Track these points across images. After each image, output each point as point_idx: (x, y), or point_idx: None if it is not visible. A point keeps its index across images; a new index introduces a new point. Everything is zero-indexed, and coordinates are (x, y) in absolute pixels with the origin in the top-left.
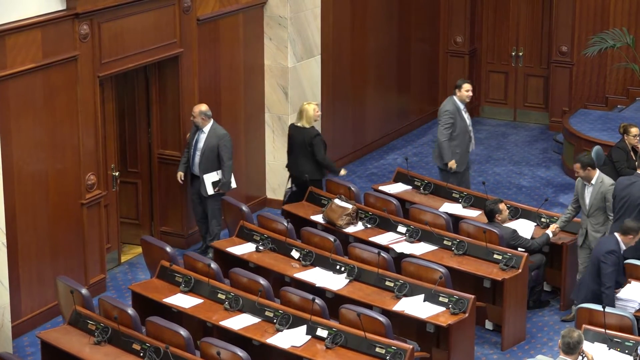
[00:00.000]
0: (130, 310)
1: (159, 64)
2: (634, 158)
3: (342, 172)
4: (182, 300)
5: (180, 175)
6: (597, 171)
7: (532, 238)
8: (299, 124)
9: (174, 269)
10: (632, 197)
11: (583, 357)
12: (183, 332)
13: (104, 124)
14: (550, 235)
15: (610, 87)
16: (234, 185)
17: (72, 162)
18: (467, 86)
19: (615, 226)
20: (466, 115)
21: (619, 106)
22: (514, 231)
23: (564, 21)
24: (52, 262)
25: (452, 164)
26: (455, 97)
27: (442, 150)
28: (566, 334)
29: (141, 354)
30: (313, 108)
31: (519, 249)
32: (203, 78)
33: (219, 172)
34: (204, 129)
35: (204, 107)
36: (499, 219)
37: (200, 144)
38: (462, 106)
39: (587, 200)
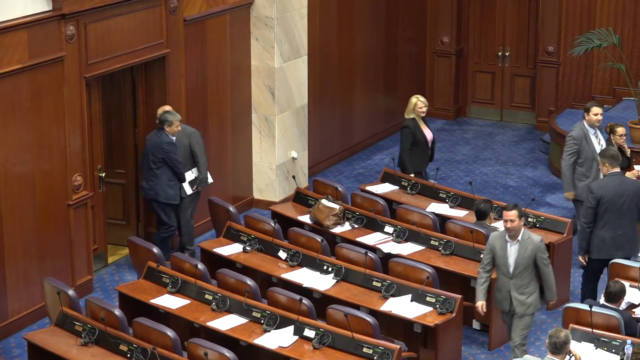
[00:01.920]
0: (117, 311)
1: (145, 65)
2: (621, 158)
3: (412, 176)
4: (169, 301)
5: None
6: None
7: None
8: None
9: (160, 270)
10: (629, 195)
11: (571, 357)
12: (170, 332)
13: (91, 125)
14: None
15: (596, 86)
16: (210, 180)
17: (58, 163)
18: (595, 109)
19: (605, 231)
20: (596, 141)
21: (605, 106)
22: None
23: (550, 21)
24: (39, 263)
25: (569, 195)
26: (584, 122)
27: (563, 178)
28: (553, 334)
29: (128, 355)
30: (415, 102)
31: None
32: (190, 78)
33: (194, 170)
34: None
35: (167, 107)
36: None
37: None
38: (592, 131)
39: (511, 260)
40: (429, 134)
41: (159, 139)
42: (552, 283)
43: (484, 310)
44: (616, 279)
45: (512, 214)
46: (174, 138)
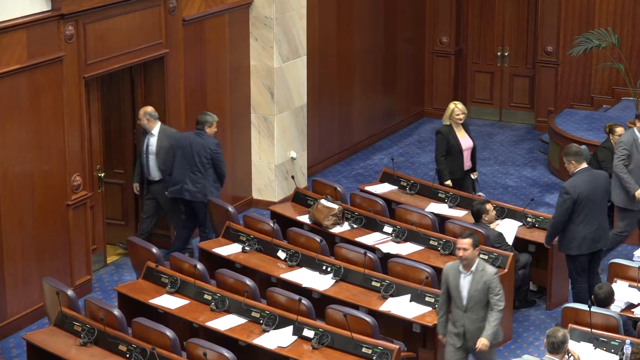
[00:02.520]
0: (116, 312)
1: (144, 65)
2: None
3: (448, 182)
4: (168, 301)
5: (135, 186)
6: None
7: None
8: None
9: (160, 270)
10: (601, 189)
11: (569, 356)
12: (169, 333)
13: (90, 125)
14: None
15: (595, 86)
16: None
17: (57, 163)
18: None
19: (584, 227)
20: None
21: (604, 106)
22: (500, 234)
23: (549, 21)
24: (38, 263)
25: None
26: (635, 129)
27: (624, 182)
28: (551, 333)
29: (127, 355)
30: (452, 108)
31: (512, 236)
32: (189, 79)
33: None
34: (152, 132)
35: (149, 108)
36: (486, 219)
37: (153, 147)
38: None
39: (465, 293)
40: (466, 142)
41: (204, 141)
42: (494, 324)
43: (444, 342)
44: (602, 283)
45: (466, 242)
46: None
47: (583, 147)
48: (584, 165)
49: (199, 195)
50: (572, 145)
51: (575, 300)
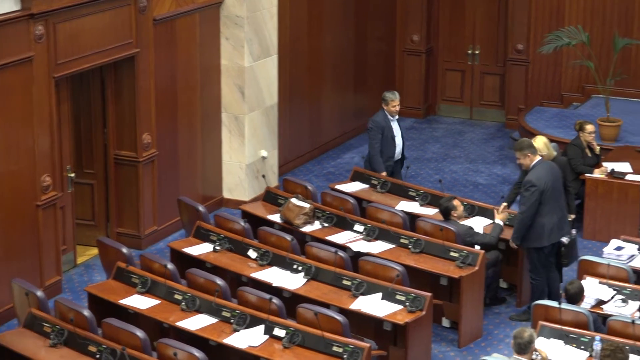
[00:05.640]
0: (86, 312)
1: (115, 65)
2: (590, 155)
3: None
4: (139, 301)
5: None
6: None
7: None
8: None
9: (130, 270)
10: (559, 177)
11: (537, 356)
12: (139, 333)
13: (60, 125)
14: (501, 223)
15: (565, 84)
16: None
17: (27, 163)
18: None
19: (550, 217)
20: None
21: (574, 103)
22: (470, 228)
23: (519, 19)
24: (7, 264)
25: None
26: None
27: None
28: (517, 334)
29: (97, 356)
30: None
31: (476, 246)
32: (159, 78)
33: None
34: None
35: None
36: (455, 215)
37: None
38: None
39: None
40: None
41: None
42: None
43: None
44: (573, 279)
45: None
46: None
47: (553, 144)
48: (539, 157)
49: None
50: (524, 139)
51: (535, 294)
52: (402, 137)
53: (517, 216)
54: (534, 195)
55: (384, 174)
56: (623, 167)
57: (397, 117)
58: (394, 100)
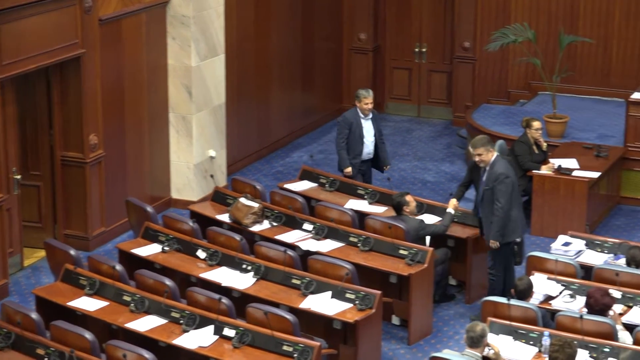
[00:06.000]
0: (34, 315)
1: (60, 65)
2: (537, 152)
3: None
4: (87, 303)
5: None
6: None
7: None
8: None
9: (78, 272)
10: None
11: (489, 350)
12: (88, 335)
13: (5, 127)
14: (452, 211)
15: (512, 81)
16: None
17: None
18: None
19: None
20: None
21: (521, 100)
22: (421, 221)
23: (466, 17)
24: None
25: None
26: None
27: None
28: (470, 328)
29: (45, 359)
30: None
31: (428, 237)
32: (106, 79)
33: None
34: None
35: None
36: (407, 210)
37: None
38: None
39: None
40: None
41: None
42: None
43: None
44: (522, 275)
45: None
46: None
47: (501, 141)
48: (496, 152)
49: None
50: (480, 136)
51: (494, 291)
52: (378, 138)
53: (496, 212)
54: (509, 187)
55: (349, 169)
56: (570, 163)
57: (371, 115)
58: (366, 98)
